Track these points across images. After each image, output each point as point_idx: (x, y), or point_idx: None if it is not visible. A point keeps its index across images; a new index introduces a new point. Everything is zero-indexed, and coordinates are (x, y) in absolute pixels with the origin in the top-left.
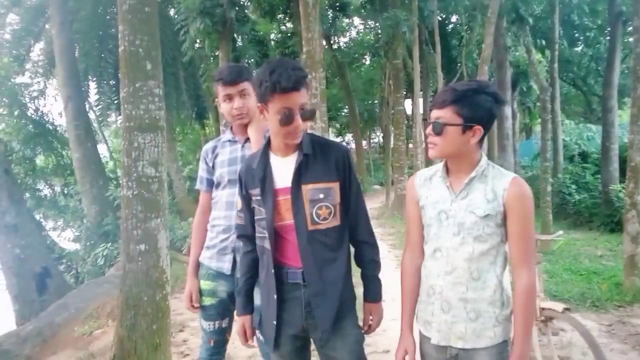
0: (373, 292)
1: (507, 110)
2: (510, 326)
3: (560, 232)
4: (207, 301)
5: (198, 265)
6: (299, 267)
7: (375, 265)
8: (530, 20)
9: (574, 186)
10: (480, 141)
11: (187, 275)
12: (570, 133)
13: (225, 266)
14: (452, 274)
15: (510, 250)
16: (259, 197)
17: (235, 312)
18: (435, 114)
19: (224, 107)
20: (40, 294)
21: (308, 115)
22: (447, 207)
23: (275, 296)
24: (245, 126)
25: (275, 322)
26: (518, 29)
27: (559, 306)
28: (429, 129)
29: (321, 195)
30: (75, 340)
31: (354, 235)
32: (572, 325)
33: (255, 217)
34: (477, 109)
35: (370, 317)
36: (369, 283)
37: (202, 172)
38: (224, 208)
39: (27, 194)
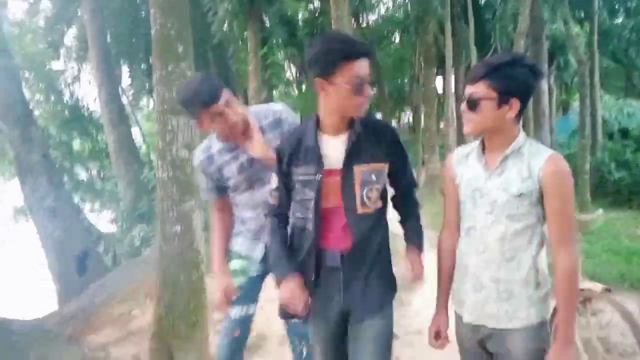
0: (416, 235)
1: (544, 86)
2: (547, 307)
3: (600, 211)
4: (237, 281)
5: (224, 262)
6: (339, 250)
7: (418, 214)
8: None
9: (613, 164)
10: (518, 116)
11: (217, 274)
12: (609, 109)
13: (256, 254)
14: (484, 253)
15: (549, 230)
16: (306, 177)
17: (275, 279)
18: (469, 89)
19: (217, 127)
20: (80, 275)
21: (371, 85)
22: (481, 185)
23: (312, 278)
24: (240, 135)
25: (309, 301)
26: (555, 1)
27: (598, 287)
28: (464, 105)
29: (373, 177)
30: (115, 319)
31: (404, 203)
32: (612, 306)
33: (297, 198)
34: (513, 82)
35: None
36: (415, 231)
37: (205, 184)
38: (252, 207)
39: (65, 178)
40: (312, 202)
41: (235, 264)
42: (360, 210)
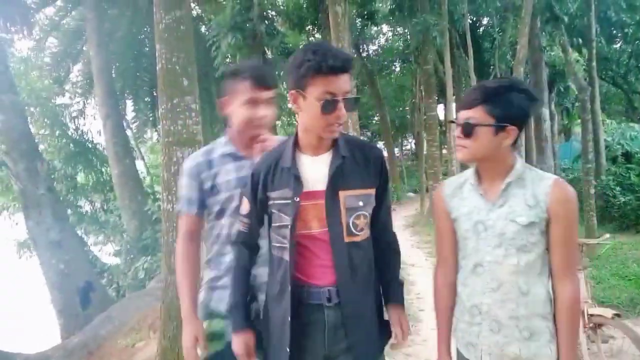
0: (400, 294)
1: (545, 112)
2: None
3: (607, 235)
4: (214, 347)
5: (196, 303)
6: (323, 285)
7: (399, 270)
8: (566, 18)
9: (618, 188)
10: (514, 143)
11: (186, 318)
12: (612, 133)
13: None
14: (498, 290)
15: (553, 258)
16: (283, 201)
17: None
18: (464, 114)
19: (243, 113)
20: (84, 308)
21: (351, 105)
22: (483, 217)
23: (289, 318)
24: (253, 139)
25: (288, 349)
26: (553, 28)
27: (608, 312)
28: (458, 131)
29: (360, 203)
30: (119, 352)
31: (382, 241)
32: (622, 331)
33: (274, 224)
34: (510, 108)
35: (400, 323)
36: (395, 285)
37: (191, 191)
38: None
39: (70, 211)
40: (288, 228)
41: (212, 325)
42: (347, 238)
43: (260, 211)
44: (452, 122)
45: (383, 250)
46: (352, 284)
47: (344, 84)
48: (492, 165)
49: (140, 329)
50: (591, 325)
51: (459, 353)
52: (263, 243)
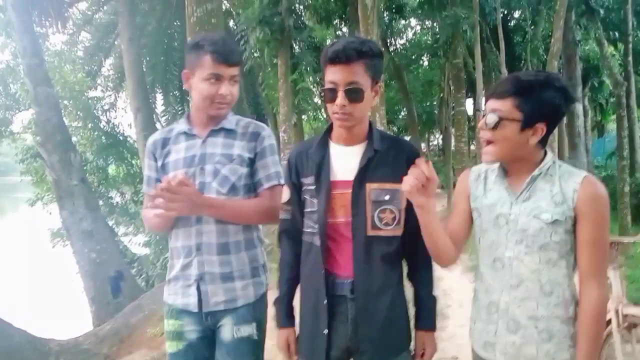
0: (429, 319)
1: (579, 108)
2: None
3: None
4: (173, 347)
5: None
6: (348, 277)
7: (433, 287)
8: (601, 11)
9: None
10: (543, 141)
11: None
12: None
13: (191, 301)
14: (518, 288)
15: (580, 259)
16: (312, 187)
17: (275, 324)
18: (492, 104)
19: (203, 88)
20: (115, 297)
21: (352, 96)
22: (506, 210)
23: (325, 302)
24: (212, 118)
25: (326, 332)
26: (588, 22)
27: None
28: (482, 121)
29: (386, 197)
30: (149, 340)
31: (413, 249)
32: None
33: (306, 210)
34: (542, 105)
35: (423, 349)
36: (425, 307)
37: (149, 171)
38: (181, 224)
39: (101, 202)
40: (317, 214)
41: (168, 324)
42: (370, 231)
43: (299, 197)
44: (479, 110)
45: (416, 262)
46: (367, 278)
47: (346, 74)
48: (517, 163)
49: None
50: (625, 325)
51: (474, 353)
52: None
